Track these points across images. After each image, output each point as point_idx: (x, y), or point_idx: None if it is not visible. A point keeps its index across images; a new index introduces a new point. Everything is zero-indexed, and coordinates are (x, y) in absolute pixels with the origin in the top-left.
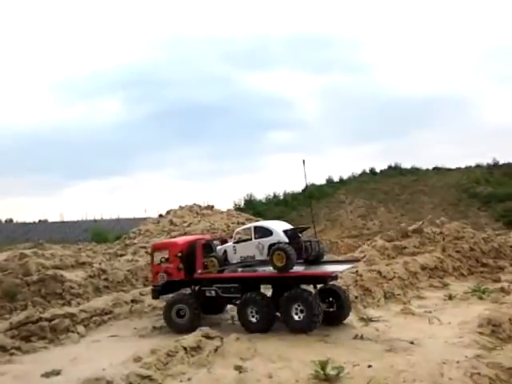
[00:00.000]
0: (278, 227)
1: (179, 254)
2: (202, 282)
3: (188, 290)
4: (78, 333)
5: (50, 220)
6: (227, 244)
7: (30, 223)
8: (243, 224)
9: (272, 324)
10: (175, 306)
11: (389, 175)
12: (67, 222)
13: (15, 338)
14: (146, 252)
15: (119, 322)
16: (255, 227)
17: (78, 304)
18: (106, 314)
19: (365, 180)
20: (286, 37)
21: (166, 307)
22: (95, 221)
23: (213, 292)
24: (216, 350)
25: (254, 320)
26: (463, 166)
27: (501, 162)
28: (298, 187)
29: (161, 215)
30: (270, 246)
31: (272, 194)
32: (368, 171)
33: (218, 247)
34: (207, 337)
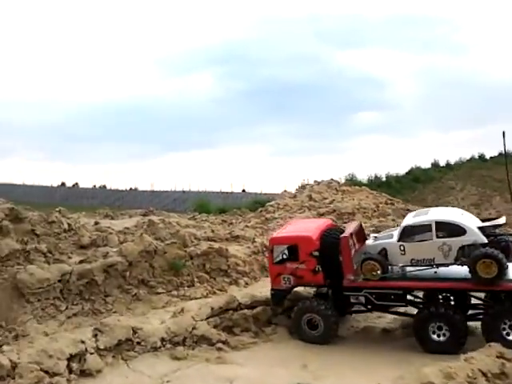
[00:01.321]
0: (470, 223)
1: (315, 253)
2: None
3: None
4: (284, 326)
5: (140, 188)
6: (387, 240)
7: (122, 190)
8: (391, 204)
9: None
10: (306, 314)
11: (500, 162)
12: (157, 191)
13: (218, 327)
14: None
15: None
16: (438, 223)
17: (246, 284)
18: None
19: (474, 166)
20: (381, 17)
21: (295, 314)
22: (183, 192)
23: (361, 298)
24: None
25: (438, 339)
26: None
27: None
28: (401, 169)
29: (296, 189)
30: (461, 248)
31: (373, 175)
32: (477, 157)
33: (370, 242)
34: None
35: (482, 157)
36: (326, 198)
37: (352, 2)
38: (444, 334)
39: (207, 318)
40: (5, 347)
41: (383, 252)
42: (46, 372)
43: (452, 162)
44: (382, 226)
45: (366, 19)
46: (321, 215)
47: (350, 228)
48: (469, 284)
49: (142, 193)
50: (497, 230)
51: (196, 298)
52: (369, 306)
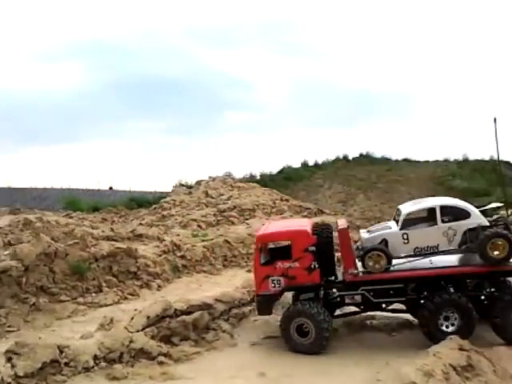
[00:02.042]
0: (472, 206)
1: (311, 248)
2: (335, 284)
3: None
4: (225, 331)
5: None
6: (387, 231)
7: None
8: (286, 201)
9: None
10: (295, 319)
11: (362, 163)
12: (15, 188)
13: (155, 338)
14: (199, 225)
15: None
16: (443, 207)
17: (159, 287)
18: (244, 304)
19: (339, 166)
20: (252, 19)
21: (282, 320)
22: (44, 189)
23: (358, 298)
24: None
25: (449, 329)
26: (431, 160)
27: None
28: (273, 168)
29: (189, 186)
30: (467, 231)
31: (249, 174)
32: (341, 157)
33: (364, 235)
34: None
35: (345, 157)
36: (222, 195)
37: (224, 2)
38: (453, 324)
39: (143, 329)
40: None
41: (383, 243)
42: None
43: (319, 161)
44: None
45: (238, 20)
46: (222, 212)
47: (342, 222)
48: (483, 268)
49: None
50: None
51: (107, 305)
52: (362, 307)
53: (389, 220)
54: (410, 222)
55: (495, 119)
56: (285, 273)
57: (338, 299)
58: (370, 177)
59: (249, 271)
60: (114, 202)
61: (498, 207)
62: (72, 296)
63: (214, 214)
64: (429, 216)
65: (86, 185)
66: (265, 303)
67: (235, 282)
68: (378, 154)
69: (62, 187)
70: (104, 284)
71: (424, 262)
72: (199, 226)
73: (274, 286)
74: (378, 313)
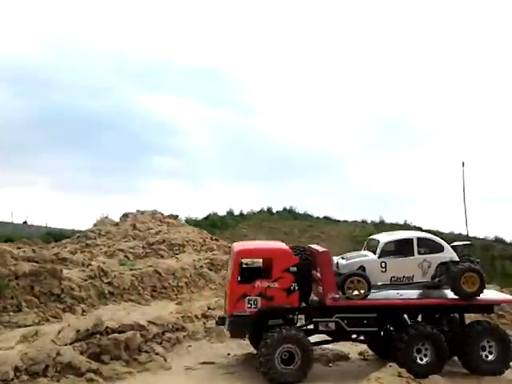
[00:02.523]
0: (444, 241)
1: (293, 269)
2: (310, 310)
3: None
4: (158, 354)
5: None
6: (366, 258)
7: None
8: (216, 240)
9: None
10: (281, 346)
11: (285, 217)
12: None
13: (84, 354)
14: (126, 256)
15: (197, 342)
16: (419, 239)
17: (84, 312)
18: (178, 329)
19: (263, 217)
20: (180, 65)
21: (266, 348)
22: None
23: (331, 325)
24: None
25: (422, 361)
26: (350, 220)
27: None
28: (199, 214)
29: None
30: (440, 265)
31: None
32: (266, 210)
33: (340, 261)
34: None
35: (269, 210)
36: (151, 228)
37: (154, 44)
38: (426, 355)
39: (72, 343)
40: None
41: (360, 269)
42: None
43: (245, 212)
44: None
45: (167, 65)
46: (151, 244)
47: (317, 247)
48: (456, 301)
49: None
50: None
51: (26, 326)
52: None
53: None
54: (389, 249)
55: (463, 163)
56: (263, 292)
57: (312, 326)
58: (293, 231)
59: (179, 303)
60: (30, 234)
61: (465, 245)
62: None
63: (143, 247)
64: (405, 247)
65: None
66: (239, 325)
67: (165, 313)
68: (300, 210)
69: None
70: (24, 304)
71: (392, 294)
72: (126, 257)
73: (250, 307)
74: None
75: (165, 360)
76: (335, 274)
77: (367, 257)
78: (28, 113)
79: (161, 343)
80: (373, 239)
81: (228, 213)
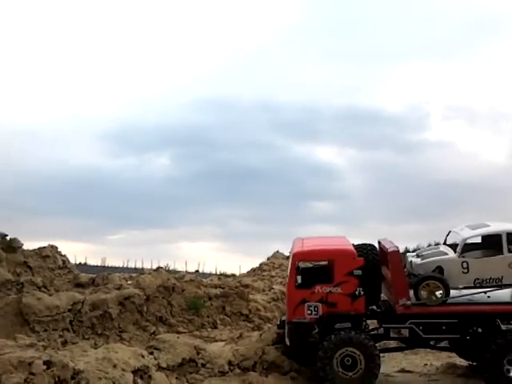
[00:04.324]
0: None
1: (357, 272)
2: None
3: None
4: None
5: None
6: (444, 258)
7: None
8: None
9: None
10: (343, 349)
11: None
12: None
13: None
14: None
15: (389, 353)
16: (509, 234)
17: None
18: None
19: None
20: (333, 110)
21: (324, 352)
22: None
23: (405, 332)
24: None
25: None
26: None
27: None
28: None
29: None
30: None
31: None
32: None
33: (414, 260)
34: None
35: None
36: None
37: (305, 92)
38: None
39: (273, 344)
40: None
41: (437, 270)
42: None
43: (410, 248)
44: None
45: (318, 112)
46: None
47: (390, 244)
48: None
49: (93, 268)
50: None
51: (222, 340)
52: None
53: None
54: (472, 247)
55: None
56: (324, 298)
57: (382, 332)
58: None
59: None
60: None
61: None
62: (189, 329)
63: None
64: (492, 243)
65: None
66: (298, 332)
67: None
68: None
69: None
70: (219, 322)
71: (481, 296)
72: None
73: (311, 313)
74: None
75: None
76: (408, 275)
77: (446, 256)
78: (192, 171)
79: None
80: (454, 233)
81: None
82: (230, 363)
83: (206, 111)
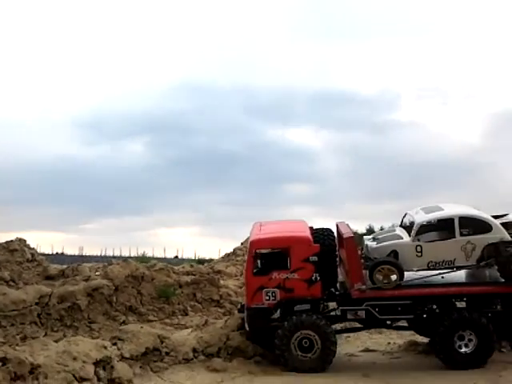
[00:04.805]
0: (493, 219)
1: (313, 259)
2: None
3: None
4: None
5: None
6: (399, 242)
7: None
8: None
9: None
10: (298, 332)
11: None
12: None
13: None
14: None
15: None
16: (462, 218)
17: None
18: None
19: None
20: (308, 93)
21: (281, 335)
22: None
23: (361, 313)
24: None
25: (465, 350)
26: None
27: None
28: None
29: None
30: (487, 246)
31: None
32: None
33: (370, 244)
34: None
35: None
36: None
37: (280, 76)
38: (467, 345)
39: (238, 329)
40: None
41: (392, 254)
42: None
43: (386, 227)
44: None
45: (293, 94)
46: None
47: (346, 228)
48: (508, 287)
49: (70, 257)
50: None
51: (192, 327)
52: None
53: None
54: (425, 230)
55: None
56: (281, 284)
57: (339, 313)
58: None
59: None
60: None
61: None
62: (159, 317)
63: None
64: (445, 228)
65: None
66: (257, 318)
67: None
68: None
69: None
70: (189, 308)
71: (436, 278)
72: None
73: (269, 299)
74: None
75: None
76: (365, 259)
77: (400, 240)
78: (168, 158)
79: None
80: (409, 215)
81: (368, 230)
82: (194, 350)
83: (180, 97)
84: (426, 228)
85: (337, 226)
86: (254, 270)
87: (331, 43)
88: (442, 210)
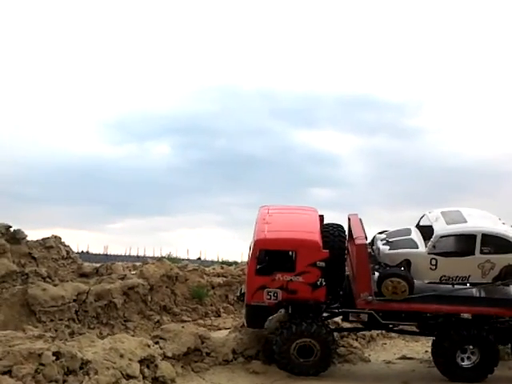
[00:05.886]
0: None
1: (320, 264)
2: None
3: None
4: (355, 348)
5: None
6: (413, 251)
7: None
8: None
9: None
10: (298, 340)
11: None
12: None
13: None
14: None
15: (391, 340)
16: (485, 235)
17: None
18: None
19: None
20: (332, 97)
21: (281, 340)
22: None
23: (364, 316)
24: None
25: (466, 364)
26: None
27: None
28: None
29: None
30: (507, 267)
31: None
32: None
33: (382, 248)
34: None
35: None
36: None
37: (305, 79)
38: (469, 358)
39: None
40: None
41: (404, 263)
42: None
43: None
44: None
45: (318, 98)
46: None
47: (359, 229)
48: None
49: (95, 256)
50: None
51: (226, 329)
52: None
53: None
54: (444, 244)
55: None
56: (284, 286)
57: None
58: None
59: None
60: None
61: None
62: (192, 318)
63: None
64: (465, 244)
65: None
66: (256, 315)
67: None
68: None
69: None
70: (222, 310)
71: (444, 290)
72: None
73: (270, 298)
74: None
75: (362, 353)
76: (374, 261)
77: (415, 249)
78: (193, 159)
79: (356, 339)
80: (427, 219)
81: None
82: (233, 352)
83: (206, 99)
84: (445, 240)
85: (349, 219)
86: (257, 269)
87: (356, 47)
88: (465, 221)
